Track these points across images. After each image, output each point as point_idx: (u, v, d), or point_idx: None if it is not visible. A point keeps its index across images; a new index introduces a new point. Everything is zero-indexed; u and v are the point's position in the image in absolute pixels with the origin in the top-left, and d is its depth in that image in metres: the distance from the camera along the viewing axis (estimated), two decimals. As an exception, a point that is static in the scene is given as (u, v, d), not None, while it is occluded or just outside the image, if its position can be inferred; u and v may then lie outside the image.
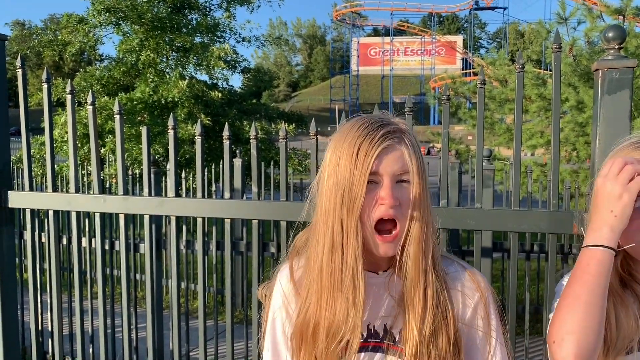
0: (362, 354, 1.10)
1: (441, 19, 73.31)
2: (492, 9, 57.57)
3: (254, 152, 2.06)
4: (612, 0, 7.84)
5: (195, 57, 11.48)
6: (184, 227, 4.87)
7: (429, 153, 31.94)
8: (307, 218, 1.14)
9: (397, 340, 1.09)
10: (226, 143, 2.10)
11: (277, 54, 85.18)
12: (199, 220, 2.13)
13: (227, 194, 2.13)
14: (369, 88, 65.83)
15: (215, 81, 12.24)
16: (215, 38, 12.35)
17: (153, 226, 2.28)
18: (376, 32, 69.90)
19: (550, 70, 7.66)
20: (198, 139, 2.15)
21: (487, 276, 2.03)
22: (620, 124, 1.61)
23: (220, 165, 5.30)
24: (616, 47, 1.64)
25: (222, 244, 3.93)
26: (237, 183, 5.22)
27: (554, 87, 1.76)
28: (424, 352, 1.04)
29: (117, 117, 2.24)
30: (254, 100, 14.18)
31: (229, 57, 11.90)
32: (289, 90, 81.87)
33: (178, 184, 2.38)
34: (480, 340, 1.10)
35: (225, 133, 2.09)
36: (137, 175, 6.01)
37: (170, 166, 2.19)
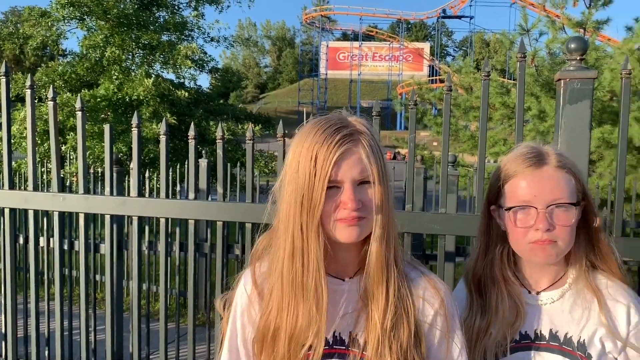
0: None
1: (409, 26, 74.27)
2: (459, 17, 58.65)
3: (219, 152, 2.04)
4: (574, 13, 8.10)
5: (162, 55, 11.30)
6: (147, 228, 4.77)
7: (394, 158, 32.25)
8: (270, 221, 1.13)
9: (362, 347, 1.08)
10: (192, 143, 2.08)
11: (246, 55, 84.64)
12: (162, 221, 2.09)
13: (191, 195, 2.10)
14: (337, 92, 66.12)
15: (182, 80, 12.07)
16: (183, 37, 12.18)
17: (115, 226, 2.22)
18: (345, 37, 70.37)
19: (514, 80, 7.87)
20: (162, 138, 2.11)
21: (450, 280, 2.05)
22: (581, 132, 1.66)
23: (186, 166, 5.22)
24: (578, 58, 1.68)
25: (185, 245, 3.87)
26: (203, 184, 5.15)
27: (518, 95, 1.80)
28: (386, 344, 1.04)
29: (79, 113, 2.18)
30: (221, 101, 14.03)
31: (197, 57, 11.75)
32: (257, 92, 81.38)
33: (141, 184, 2.34)
34: (441, 342, 1.11)
35: (191, 133, 2.06)
36: (100, 174, 5.87)
37: (134, 165, 2.14)
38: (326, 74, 62.66)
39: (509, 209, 1.20)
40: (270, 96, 75.90)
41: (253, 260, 1.17)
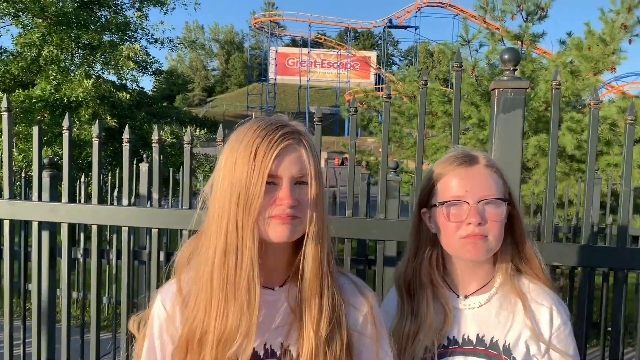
0: None
1: (357, 35, 75.28)
2: (405, 27, 59.95)
3: (155, 156, 1.97)
4: (512, 26, 8.42)
5: (103, 56, 10.90)
6: (82, 235, 4.57)
7: (342, 163, 32.51)
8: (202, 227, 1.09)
9: (294, 358, 1.06)
10: (126, 146, 2.00)
11: (193, 58, 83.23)
12: (93, 228, 2.00)
13: (125, 201, 2.02)
14: (286, 97, 66.09)
15: (124, 82, 11.69)
16: (126, 37, 11.79)
17: (46, 233, 2.10)
18: (294, 43, 70.46)
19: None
20: (95, 141, 2.02)
21: (390, 285, 2.06)
22: (514, 140, 1.71)
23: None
24: (511, 68, 1.73)
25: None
26: (144, 189, 4.99)
27: (455, 103, 1.84)
28: (320, 354, 1.02)
29: (5, 114, 2.06)
30: (165, 104, 13.67)
31: (140, 58, 11.41)
32: (204, 95, 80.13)
33: (73, 189, 2.23)
34: (370, 349, 1.10)
35: (125, 135, 1.99)
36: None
37: (64, 169, 2.04)
38: (275, 79, 62.56)
39: (442, 203, 1.23)
40: (218, 100, 74.91)
41: (179, 272, 1.11)
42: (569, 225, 5.13)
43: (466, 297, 1.29)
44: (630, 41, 7.86)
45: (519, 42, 8.32)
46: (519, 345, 1.22)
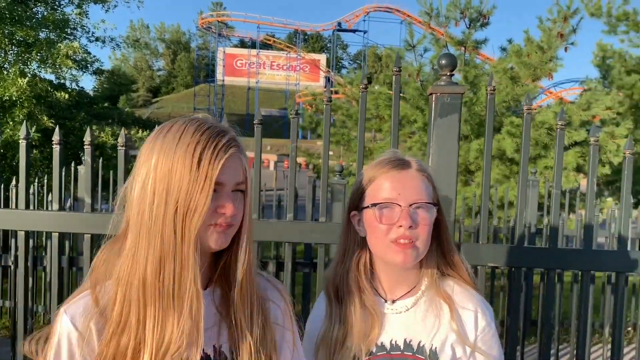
0: None
1: (306, 37, 75.49)
2: (353, 31, 60.59)
3: (88, 159, 1.89)
4: (456, 33, 8.65)
5: (39, 54, 10.43)
6: (14, 241, 4.35)
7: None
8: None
9: (228, 358, 1.06)
10: (56, 148, 1.91)
11: (138, 57, 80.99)
12: (20, 234, 1.89)
13: (55, 205, 1.92)
14: (235, 99, 65.40)
15: (62, 81, 11.23)
16: (65, 35, 11.34)
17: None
18: (243, 44, 69.85)
19: (402, 93, 8.20)
20: (22, 143, 1.92)
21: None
22: (450, 144, 1.73)
23: (72, 173, 4.86)
24: (448, 73, 1.76)
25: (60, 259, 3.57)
26: (82, 193, 4.80)
27: (394, 106, 1.85)
28: (254, 354, 1.04)
29: None
30: (106, 104, 13.23)
31: (79, 56, 11.00)
32: (149, 96, 78.09)
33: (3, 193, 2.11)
34: (289, 339, 1.16)
35: (56, 137, 1.89)
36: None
37: (-13, 172, 1.92)
38: (223, 80, 61.80)
39: (375, 205, 1.23)
40: (164, 100, 73.27)
41: (93, 278, 1.03)
42: (509, 227, 5.30)
43: (393, 301, 1.29)
44: (566, 49, 8.25)
45: (462, 48, 8.56)
46: (445, 349, 1.23)
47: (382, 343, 1.26)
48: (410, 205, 1.20)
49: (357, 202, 1.30)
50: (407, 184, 1.23)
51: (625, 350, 4.87)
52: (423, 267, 1.29)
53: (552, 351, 4.28)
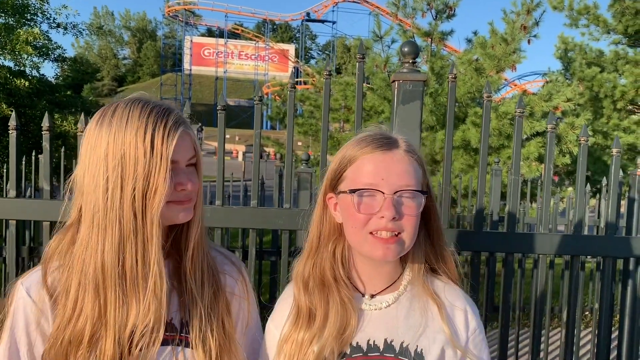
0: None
1: (275, 27, 74.99)
2: (322, 22, 60.44)
3: (46, 145, 1.85)
4: (422, 24, 8.72)
5: (-3, 40, 10.11)
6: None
7: (261, 156, 32.30)
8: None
9: (179, 329, 1.08)
10: (13, 134, 1.87)
11: (102, 45, 79.00)
12: (-25, 222, 1.84)
13: (12, 192, 1.87)
14: (202, 88, 64.60)
15: (22, 68, 10.88)
16: (24, 20, 10.98)
17: None
18: (210, 33, 68.85)
19: (369, 83, 8.22)
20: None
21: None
22: (412, 131, 1.76)
23: (32, 162, 4.72)
24: (410, 60, 1.78)
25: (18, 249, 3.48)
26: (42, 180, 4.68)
27: (357, 93, 1.87)
28: (204, 317, 1.07)
29: None
30: (69, 92, 12.89)
31: (40, 43, 10.68)
32: (114, 85, 76.35)
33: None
34: (245, 307, 1.20)
35: (12, 122, 1.85)
36: None
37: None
38: (190, 70, 60.88)
39: (354, 191, 1.06)
40: (129, 89, 71.66)
41: (45, 263, 1.04)
42: (472, 215, 5.41)
43: (372, 296, 1.14)
44: (529, 41, 8.41)
45: (429, 39, 8.64)
46: (432, 351, 1.09)
47: (357, 343, 1.10)
48: (395, 192, 1.04)
49: (334, 184, 1.14)
50: (392, 167, 1.06)
51: (583, 333, 5.05)
52: (409, 259, 1.15)
53: (513, 336, 4.40)
